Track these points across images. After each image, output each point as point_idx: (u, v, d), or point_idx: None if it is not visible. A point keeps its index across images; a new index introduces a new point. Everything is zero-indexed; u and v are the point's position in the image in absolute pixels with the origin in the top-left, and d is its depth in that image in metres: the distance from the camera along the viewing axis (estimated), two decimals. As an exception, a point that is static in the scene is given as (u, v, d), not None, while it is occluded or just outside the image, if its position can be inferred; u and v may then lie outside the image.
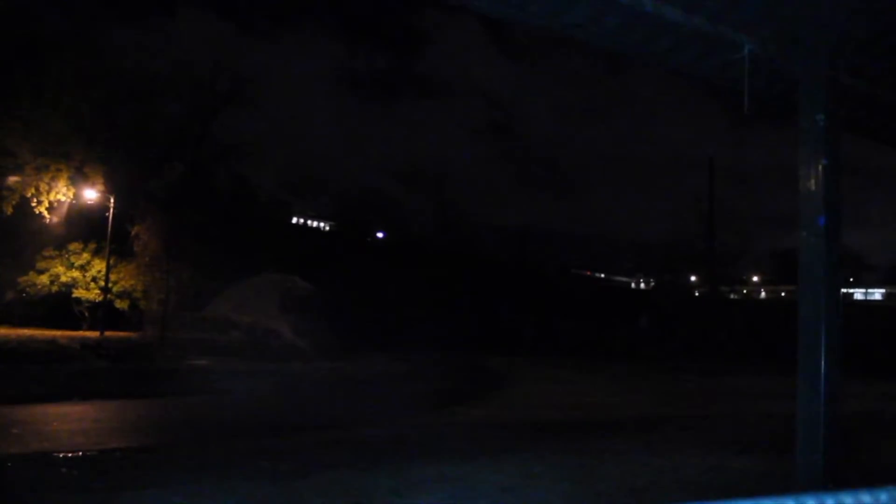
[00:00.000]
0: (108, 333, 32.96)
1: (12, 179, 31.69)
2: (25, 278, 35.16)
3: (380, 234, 71.06)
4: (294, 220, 69.36)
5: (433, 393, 24.17)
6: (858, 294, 64.92)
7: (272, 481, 8.89)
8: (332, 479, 9.06)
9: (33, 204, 31.93)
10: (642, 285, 78.09)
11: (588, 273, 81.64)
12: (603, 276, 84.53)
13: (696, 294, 59.88)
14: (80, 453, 10.76)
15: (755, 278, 74.40)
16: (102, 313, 34.71)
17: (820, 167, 6.87)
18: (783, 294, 64.41)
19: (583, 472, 9.99)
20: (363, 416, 17.46)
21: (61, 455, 10.52)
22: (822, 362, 6.66)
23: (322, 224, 73.23)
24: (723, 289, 58.58)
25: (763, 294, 72.80)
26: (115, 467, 9.88)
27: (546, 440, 13.38)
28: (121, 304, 36.93)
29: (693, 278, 60.35)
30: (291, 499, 8.13)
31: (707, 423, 17.04)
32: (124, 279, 36.45)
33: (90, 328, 35.07)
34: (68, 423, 13.85)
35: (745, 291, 72.39)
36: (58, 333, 30.87)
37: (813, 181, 6.93)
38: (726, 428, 16.08)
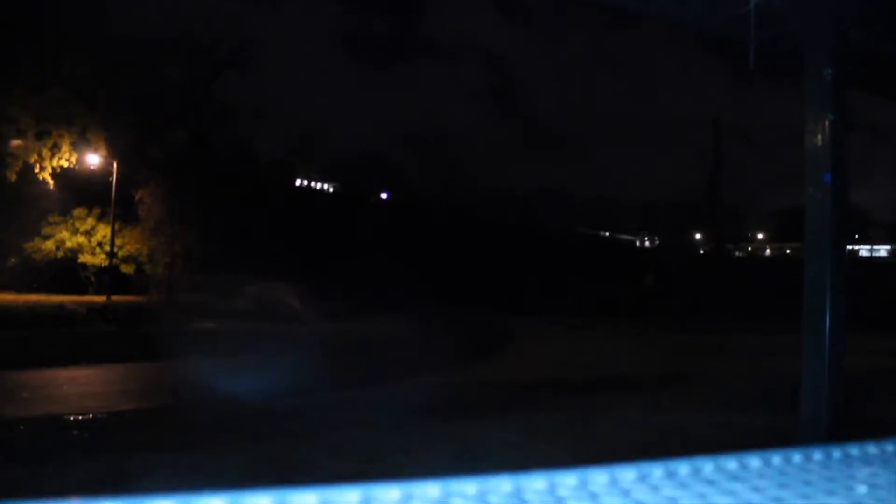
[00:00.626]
0: (114, 298, 33.14)
1: (14, 144, 31.60)
2: (31, 244, 35.24)
3: (383, 196, 70.82)
4: (297, 182, 69.03)
5: (440, 353, 24.30)
6: (864, 251, 64.63)
7: (280, 442, 8.97)
8: (340, 439, 9.14)
9: (36, 170, 31.89)
10: (647, 244, 77.95)
11: (593, 233, 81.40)
12: (608, 234, 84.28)
13: (702, 252, 59.86)
14: (90, 416, 10.89)
15: (760, 236, 74.29)
16: (108, 278, 34.86)
17: (826, 123, 6.79)
18: (788, 252, 64.22)
19: (590, 430, 10.06)
20: (370, 376, 17.59)
21: (71, 418, 10.65)
22: (827, 319, 6.64)
23: (325, 186, 72.89)
24: (728, 246, 58.51)
25: (768, 252, 72.58)
26: (124, 429, 10.01)
27: (553, 398, 13.49)
28: (126, 269, 37.04)
29: (698, 236, 60.28)
30: (300, 459, 8.18)
31: (712, 381, 17.13)
32: (129, 244, 36.53)
33: (97, 293, 35.24)
34: (77, 386, 13.99)
35: (749, 249, 72.32)
36: (65, 298, 31.05)
37: (819, 137, 6.85)
38: (731, 385, 16.15)
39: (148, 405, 12.31)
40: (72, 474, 6.89)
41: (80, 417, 10.69)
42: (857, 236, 60.21)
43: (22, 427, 10.04)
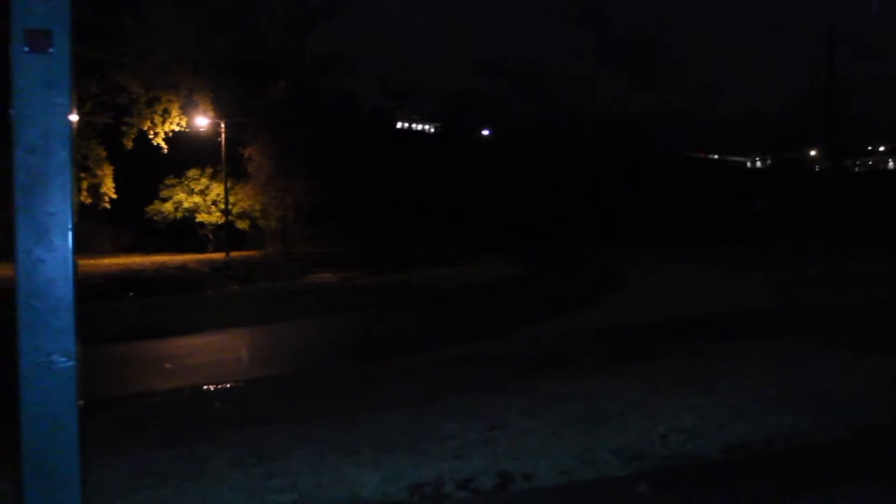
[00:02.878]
0: (232, 254, 34.57)
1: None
2: (151, 207, 37.07)
3: (485, 132, 70.28)
4: (399, 125, 69.29)
5: (550, 297, 24.46)
6: None
7: (408, 408, 9.18)
8: (464, 403, 9.30)
9: (150, 136, 33.22)
10: (759, 164, 74.50)
11: (701, 155, 78.29)
12: (717, 157, 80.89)
13: (817, 169, 56.99)
14: (228, 385, 11.52)
15: (882, 148, 69.74)
16: (225, 235, 36.34)
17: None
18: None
19: (710, 382, 9.83)
20: (485, 326, 17.96)
21: (212, 388, 11.30)
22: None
23: (427, 127, 72.87)
24: (846, 162, 55.41)
25: (892, 164, 68.02)
26: (261, 400, 10.54)
27: (668, 345, 13.30)
28: (241, 225, 38.55)
29: (813, 153, 57.36)
30: (429, 426, 8.31)
31: (833, 317, 16.43)
32: (242, 200, 37.93)
33: (215, 249, 36.89)
34: (212, 353, 14.77)
35: (870, 163, 67.89)
36: (187, 258, 32.64)
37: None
38: (854, 322, 15.49)
39: (279, 371, 12.86)
40: (221, 455, 7.33)
41: (219, 387, 11.34)
42: None
43: (170, 399, 10.73)
